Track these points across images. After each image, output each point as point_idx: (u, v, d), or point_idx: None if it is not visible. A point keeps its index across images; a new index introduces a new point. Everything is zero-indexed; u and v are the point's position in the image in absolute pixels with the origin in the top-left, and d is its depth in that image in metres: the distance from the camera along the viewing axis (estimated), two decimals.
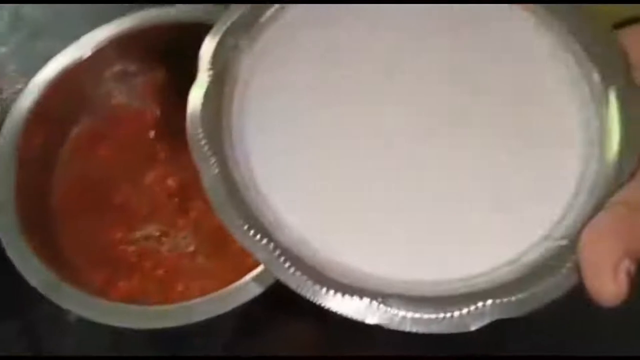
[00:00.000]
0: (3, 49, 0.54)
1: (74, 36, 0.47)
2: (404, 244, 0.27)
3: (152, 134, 0.47)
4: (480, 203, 0.27)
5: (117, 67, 0.48)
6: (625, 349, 0.39)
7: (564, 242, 0.26)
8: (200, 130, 0.27)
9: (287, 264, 0.25)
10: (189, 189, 0.45)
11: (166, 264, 0.44)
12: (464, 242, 0.27)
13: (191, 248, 0.45)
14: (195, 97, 0.28)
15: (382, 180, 0.28)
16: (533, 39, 0.30)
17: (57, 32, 0.53)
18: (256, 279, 0.39)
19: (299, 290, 0.25)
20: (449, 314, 0.25)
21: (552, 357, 0.40)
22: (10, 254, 0.40)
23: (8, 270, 0.40)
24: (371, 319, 0.25)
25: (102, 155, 0.47)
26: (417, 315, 0.25)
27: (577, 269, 0.25)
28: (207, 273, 0.44)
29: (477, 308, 0.25)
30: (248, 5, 0.30)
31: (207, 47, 0.29)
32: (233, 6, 0.30)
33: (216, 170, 0.26)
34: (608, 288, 0.23)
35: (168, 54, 0.46)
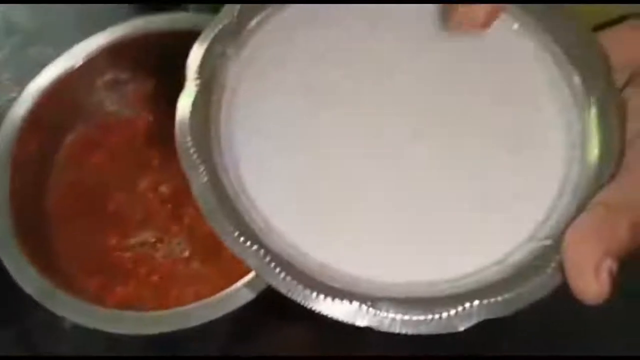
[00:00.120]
0: None
1: (67, 44, 0.47)
2: (392, 247, 0.27)
3: (144, 141, 0.47)
4: (467, 205, 0.28)
5: (109, 76, 0.48)
6: (610, 347, 0.39)
7: (548, 243, 0.26)
8: (188, 138, 0.27)
9: (277, 269, 0.25)
10: (182, 196, 0.45)
11: (161, 270, 0.45)
12: (451, 244, 0.27)
13: (185, 254, 0.45)
14: (184, 105, 0.28)
15: (369, 184, 0.28)
16: (516, 43, 0.31)
17: (49, 40, 0.53)
18: (249, 284, 0.39)
19: (289, 295, 0.25)
20: (437, 315, 0.25)
21: (544, 357, 0.41)
22: (5, 262, 0.41)
23: (3, 278, 0.40)
24: (361, 322, 0.25)
25: (96, 162, 0.47)
26: (406, 317, 0.25)
27: (561, 268, 0.25)
28: (202, 278, 0.44)
29: (464, 309, 0.25)
30: (235, 13, 0.30)
31: (195, 56, 0.29)
32: (220, 14, 0.30)
33: (205, 178, 0.26)
34: (591, 287, 0.24)
35: (159, 62, 0.47)
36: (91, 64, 0.47)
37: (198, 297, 0.41)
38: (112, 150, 0.47)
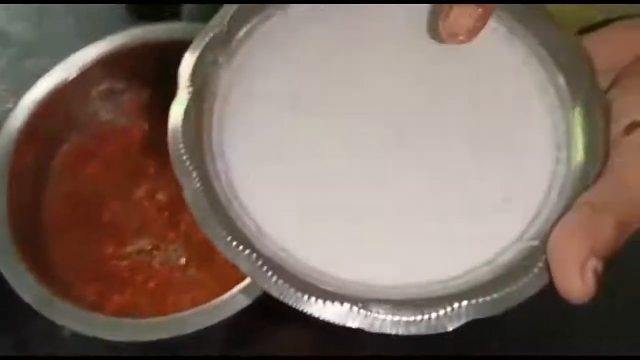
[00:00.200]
0: None
1: (62, 55, 0.48)
2: (383, 250, 0.27)
3: (140, 150, 0.48)
4: (455, 207, 0.28)
5: (104, 86, 0.49)
6: (595, 346, 0.39)
7: (535, 243, 0.26)
8: (181, 145, 0.27)
9: (269, 273, 0.26)
10: (178, 203, 0.45)
11: (158, 277, 0.45)
12: (440, 246, 0.27)
13: (182, 260, 0.46)
14: (176, 113, 0.28)
15: (358, 188, 0.28)
16: (502, 46, 0.31)
17: (45, 51, 0.54)
18: (245, 290, 0.40)
19: (281, 298, 0.26)
20: (426, 316, 0.25)
21: (534, 357, 0.41)
22: (4, 270, 0.41)
23: (1, 287, 0.41)
24: (352, 323, 0.25)
25: (92, 171, 0.48)
26: (396, 318, 0.25)
27: (548, 268, 0.25)
28: (199, 284, 0.45)
29: (453, 309, 0.25)
30: (225, 21, 0.31)
31: (186, 64, 0.29)
32: (211, 22, 0.31)
33: (198, 184, 0.27)
34: (576, 286, 0.24)
35: (154, 72, 0.47)
36: (86, 75, 0.47)
37: (195, 303, 0.41)
38: (108, 160, 0.48)
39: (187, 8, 0.53)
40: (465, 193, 0.28)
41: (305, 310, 0.26)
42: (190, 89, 0.29)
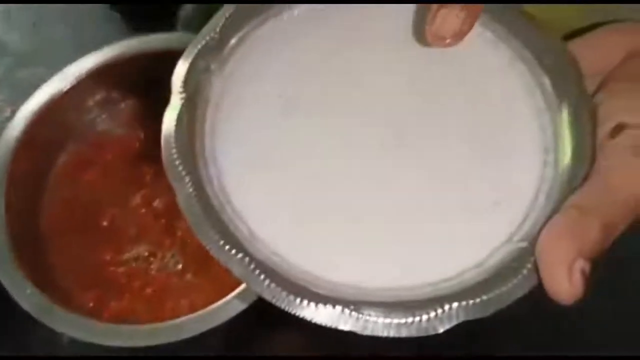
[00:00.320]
0: None
1: (59, 65, 0.48)
2: (375, 253, 0.27)
3: (136, 157, 0.48)
4: (445, 210, 0.28)
5: (100, 95, 0.49)
6: (596, 347, 0.40)
7: (524, 245, 0.26)
8: (174, 151, 0.27)
9: (262, 277, 0.26)
10: (175, 210, 0.44)
11: (155, 283, 0.45)
12: (430, 249, 0.27)
13: (179, 266, 0.45)
14: (169, 119, 0.28)
15: (350, 192, 0.28)
16: (490, 51, 0.31)
17: (41, 61, 0.54)
18: (240, 295, 0.39)
19: (274, 301, 0.26)
20: (417, 318, 0.25)
21: (534, 357, 0.41)
22: (2, 278, 0.41)
23: (0, 295, 0.41)
24: (344, 326, 0.25)
25: (89, 180, 0.48)
26: (387, 320, 0.25)
27: (537, 269, 0.25)
28: (196, 290, 0.44)
29: (444, 311, 0.25)
30: (217, 29, 0.31)
31: (179, 71, 0.29)
32: (203, 30, 0.31)
33: (190, 189, 0.27)
34: (564, 287, 0.24)
35: (149, 81, 0.47)
36: (83, 84, 0.48)
37: (193, 308, 0.41)
38: (105, 168, 0.48)
39: (182, 19, 0.53)
40: (454, 196, 0.28)
41: (297, 314, 0.26)
42: (183, 96, 0.29)
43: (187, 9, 0.54)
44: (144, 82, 0.48)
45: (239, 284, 0.40)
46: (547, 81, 0.30)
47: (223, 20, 0.31)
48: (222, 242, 0.26)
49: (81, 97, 0.48)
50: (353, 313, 0.25)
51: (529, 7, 0.31)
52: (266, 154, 0.29)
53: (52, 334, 0.40)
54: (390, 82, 0.31)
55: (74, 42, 0.55)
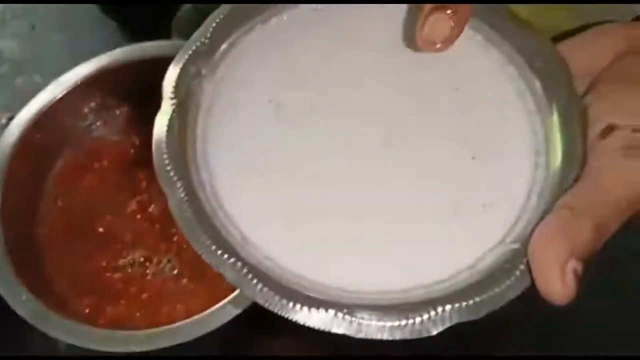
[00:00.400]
0: None
1: (55, 72, 0.48)
2: (366, 256, 0.27)
3: (132, 164, 0.48)
4: (438, 213, 0.28)
5: (96, 102, 0.49)
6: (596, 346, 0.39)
7: (516, 246, 0.26)
8: (165, 156, 0.27)
9: (254, 281, 0.25)
10: (171, 215, 0.45)
11: (151, 289, 0.45)
12: (423, 251, 0.27)
13: (175, 272, 0.45)
14: (160, 125, 0.28)
15: (341, 195, 0.28)
16: (480, 54, 0.31)
17: (37, 69, 0.54)
18: (235, 299, 0.39)
19: (267, 306, 0.25)
20: (411, 321, 0.25)
21: (534, 357, 0.41)
22: None
23: None
24: (337, 329, 0.25)
25: (85, 186, 0.48)
26: (380, 323, 0.25)
27: (530, 270, 0.25)
28: (192, 294, 0.44)
29: (437, 313, 0.25)
30: (208, 34, 0.30)
31: (170, 76, 0.29)
32: (194, 36, 0.31)
33: (182, 195, 0.27)
34: (557, 288, 0.24)
35: (144, 88, 0.47)
36: (78, 91, 0.47)
37: (189, 313, 0.41)
38: (101, 174, 0.48)
39: (176, 26, 0.53)
40: (446, 198, 0.28)
41: (290, 318, 0.25)
42: (174, 101, 0.29)
43: (182, 17, 0.54)
44: (139, 89, 0.48)
45: (234, 288, 0.39)
46: (537, 84, 0.30)
47: (213, 25, 0.31)
48: (214, 247, 0.26)
49: (77, 104, 0.48)
50: (346, 316, 0.25)
51: (519, 9, 0.31)
52: (258, 158, 0.29)
53: (49, 340, 0.40)
54: (381, 85, 0.30)
55: (70, 50, 0.55)
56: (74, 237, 0.46)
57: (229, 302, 0.39)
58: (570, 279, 0.24)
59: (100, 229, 0.46)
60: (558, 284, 0.24)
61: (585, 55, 0.29)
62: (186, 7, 0.52)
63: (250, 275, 0.25)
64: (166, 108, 0.28)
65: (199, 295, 0.44)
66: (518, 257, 0.26)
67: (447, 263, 0.27)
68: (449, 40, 0.29)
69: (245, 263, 0.26)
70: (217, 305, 0.40)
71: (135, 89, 0.48)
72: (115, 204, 0.47)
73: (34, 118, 0.46)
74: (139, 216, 0.46)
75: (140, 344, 0.39)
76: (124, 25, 0.55)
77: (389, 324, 0.25)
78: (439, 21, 0.28)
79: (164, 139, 0.28)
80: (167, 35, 0.52)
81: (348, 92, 0.30)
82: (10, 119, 0.46)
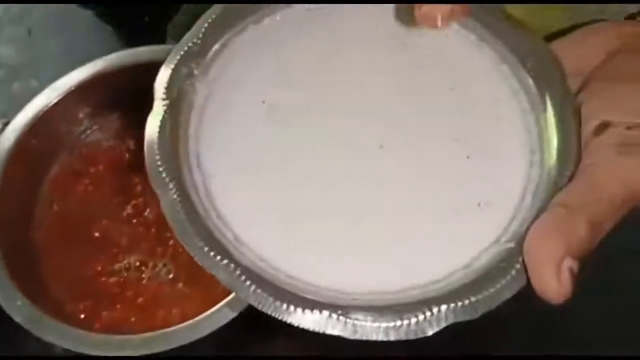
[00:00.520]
0: None
1: (50, 77, 0.47)
2: (361, 257, 0.27)
3: (127, 168, 0.47)
4: (433, 212, 0.27)
5: (91, 107, 0.48)
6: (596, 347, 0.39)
7: (511, 245, 0.26)
8: (157, 157, 0.27)
9: (247, 283, 0.25)
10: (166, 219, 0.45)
11: (147, 293, 0.44)
12: (419, 251, 0.27)
13: (170, 276, 0.45)
14: (152, 126, 0.28)
15: (336, 195, 0.27)
16: (475, 54, 0.30)
17: (33, 74, 0.54)
18: (230, 303, 0.39)
19: (260, 307, 0.25)
20: (406, 321, 0.24)
21: (534, 357, 0.40)
22: None
23: None
24: (332, 330, 0.24)
25: (81, 190, 0.47)
26: (375, 324, 0.24)
27: (525, 269, 0.24)
28: (187, 298, 0.44)
29: (432, 314, 0.24)
30: (199, 34, 0.30)
31: (161, 77, 0.29)
32: (185, 36, 0.30)
33: (174, 196, 0.26)
34: (552, 286, 0.23)
35: (139, 93, 0.46)
36: (73, 97, 0.47)
37: (185, 317, 0.41)
38: (97, 179, 0.47)
39: (172, 31, 0.52)
40: (442, 198, 0.28)
41: (284, 319, 0.25)
42: (166, 102, 0.28)
43: (177, 22, 0.53)
44: (134, 93, 0.47)
45: (230, 292, 0.39)
46: (531, 82, 0.29)
47: (205, 25, 0.30)
48: (206, 249, 0.25)
49: (72, 109, 0.48)
50: (341, 317, 0.25)
51: (513, 10, 0.31)
52: (251, 158, 0.28)
53: (45, 345, 0.39)
54: (375, 85, 0.30)
55: (66, 55, 0.55)
56: (70, 241, 0.45)
57: (225, 305, 0.39)
58: (566, 278, 0.23)
59: (96, 234, 0.46)
60: (554, 282, 0.23)
61: (578, 53, 0.29)
62: (181, 11, 0.51)
63: (243, 277, 0.25)
64: (158, 109, 0.28)
65: (194, 299, 0.43)
66: (513, 256, 0.25)
67: (443, 262, 0.26)
68: (450, 16, 0.28)
69: (238, 264, 0.25)
70: (213, 309, 0.39)
71: (131, 93, 0.47)
72: (111, 208, 0.46)
73: (30, 123, 0.46)
74: (134, 220, 0.46)
75: (136, 348, 0.39)
76: (119, 30, 0.55)
77: (384, 324, 0.24)
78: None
79: (155, 139, 0.27)
80: (162, 40, 0.51)
81: (341, 93, 0.30)
82: (6, 124, 0.45)
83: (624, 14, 0.33)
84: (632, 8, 0.33)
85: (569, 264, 0.23)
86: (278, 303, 0.25)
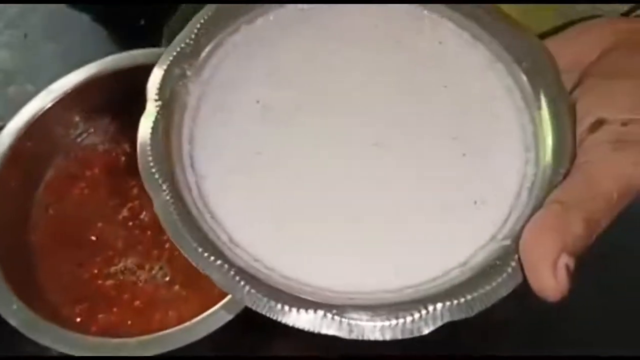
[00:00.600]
0: None
1: (45, 81, 0.47)
2: (356, 256, 0.26)
3: (123, 171, 0.47)
4: (429, 211, 0.27)
5: (86, 110, 0.48)
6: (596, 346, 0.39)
7: (507, 242, 0.25)
8: (150, 158, 0.26)
9: (241, 283, 0.24)
10: None
11: (143, 295, 0.44)
12: (414, 250, 0.26)
13: (167, 278, 0.44)
14: (144, 127, 0.27)
15: (331, 195, 0.27)
16: (470, 52, 0.30)
17: (29, 78, 0.53)
18: (227, 305, 0.38)
19: (255, 308, 0.24)
20: (402, 320, 0.24)
21: (534, 357, 0.40)
22: None
23: None
24: (327, 330, 0.24)
25: (77, 194, 0.47)
26: (371, 323, 0.24)
27: (521, 267, 0.24)
28: (184, 301, 0.43)
29: (428, 312, 0.24)
30: (192, 35, 0.30)
31: (154, 78, 0.29)
32: (177, 37, 0.30)
33: (167, 197, 0.26)
34: (549, 284, 0.23)
35: (134, 96, 0.46)
36: (69, 100, 0.47)
37: (181, 319, 0.40)
38: (92, 182, 0.47)
39: (167, 34, 0.52)
40: (437, 196, 0.28)
41: (279, 320, 0.24)
42: (158, 103, 0.28)
43: (173, 25, 0.53)
44: (130, 97, 0.46)
45: (226, 294, 0.38)
46: (525, 80, 0.29)
47: (198, 26, 0.30)
48: (200, 249, 0.25)
49: (67, 112, 0.47)
50: (336, 317, 0.24)
51: (508, 10, 0.31)
52: (245, 159, 0.28)
53: (41, 349, 0.39)
54: (369, 84, 0.30)
55: (62, 59, 0.55)
56: (66, 245, 0.45)
57: (221, 308, 0.39)
58: (563, 275, 0.23)
59: (92, 237, 0.45)
60: (550, 279, 0.23)
61: (572, 50, 0.29)
62: (177, 14, 0.51)
63: (237, 278, 0.25)
64: (150, 110, 0.28)
65: (191, 301, 0.43)
66: (509, 253, 0.25)
67: (438, 261, 0.26)
68: None
69: (232, 265, 0.25)
70: (209, 311, 0.39)
71: (126, 97, 0.47)
72: (107, 211, 0.46)
73: (25, 127, 0.45)
74: (130, 223, 0.45)
75: (132, 351, 0.39)
76: (115, 33, 0.55)
77: (379, 323, 0.24)
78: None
79: (148, 141, 0.27)
80: (158, 43, 0.51)
81: (335, 92, 0.29)
82: (2, 127, 0.45)
83: (617, 14, 0.33)
84: (625, 7, 0.32)
85: (565, 261, 0.23)
86: (273, 303, 0.24)
